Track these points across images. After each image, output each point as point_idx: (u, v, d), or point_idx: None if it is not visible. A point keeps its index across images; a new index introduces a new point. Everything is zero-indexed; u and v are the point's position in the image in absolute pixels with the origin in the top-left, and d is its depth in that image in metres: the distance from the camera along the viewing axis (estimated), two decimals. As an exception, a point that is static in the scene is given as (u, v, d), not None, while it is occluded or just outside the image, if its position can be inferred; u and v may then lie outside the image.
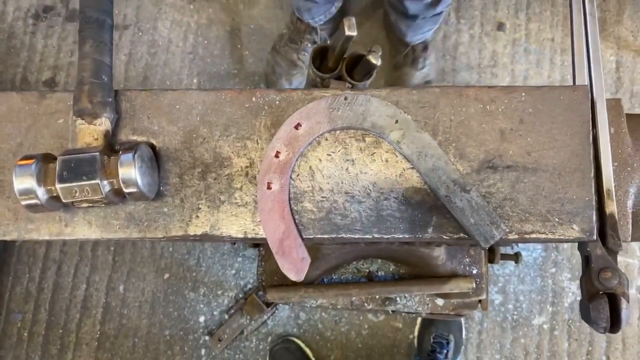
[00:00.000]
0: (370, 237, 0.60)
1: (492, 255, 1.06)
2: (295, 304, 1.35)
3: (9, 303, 1.81)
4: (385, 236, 0.60)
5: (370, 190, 0.60)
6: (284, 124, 0.61)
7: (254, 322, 1.74)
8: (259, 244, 1.08)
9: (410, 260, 0.97)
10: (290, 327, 1.75)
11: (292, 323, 1.76)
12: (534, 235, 0.58)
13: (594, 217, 0.57)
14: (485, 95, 0.61)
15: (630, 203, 0.62)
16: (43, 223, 0.61)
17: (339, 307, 1.09)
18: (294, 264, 0.59)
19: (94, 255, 1.83)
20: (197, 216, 0.61)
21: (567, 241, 0.59)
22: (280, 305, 1.75)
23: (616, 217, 0.58)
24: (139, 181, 0.55)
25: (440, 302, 1.07)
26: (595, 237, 0.57)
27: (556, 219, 0.57)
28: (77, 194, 0.54)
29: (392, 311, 1.09)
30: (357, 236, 0.60)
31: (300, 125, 0.60)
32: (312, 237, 0.61)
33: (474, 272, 1.01)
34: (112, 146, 0.61)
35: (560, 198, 0.58)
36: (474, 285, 0.98)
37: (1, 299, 1.81)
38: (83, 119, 0.58)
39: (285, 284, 1.01)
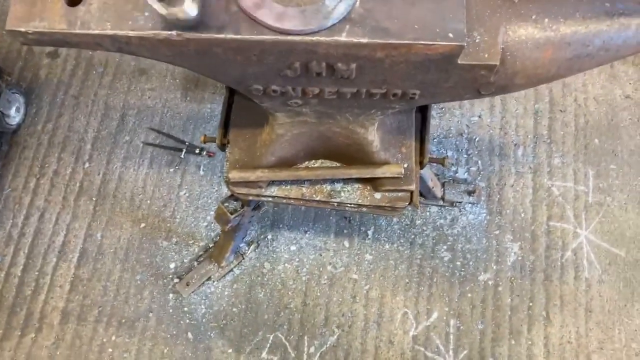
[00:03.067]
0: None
1: (422, 157, 1.25)
2: (257, 205, 1.49)
3: (-10, 246, 1.92)
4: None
5: None
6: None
7: (221, 270, 1.87)
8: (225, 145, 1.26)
9: (349, 150, 1.16)
10: (255, 275, 1.88)
11: (257, 272, 1.88)
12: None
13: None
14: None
15: (500, 39, 0.82)
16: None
17: (291, 197, 1.25)
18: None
19: (76, 204, 1.97)
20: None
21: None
22: (247, 254, 1.89)
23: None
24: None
25: (377, 195, 1.25)
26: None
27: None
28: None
29: (337, 204, 1.26)
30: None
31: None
32: None
33: (405, 166, 1.20)
34: None
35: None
36: (402, 171, 1.16)
37: (-17, 242, 1.92)
38: None
39: (245, 168, 1.19)
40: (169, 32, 0.75)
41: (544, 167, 2.02)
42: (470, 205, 1.96)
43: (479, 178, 2.00)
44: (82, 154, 2.04)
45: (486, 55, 0.81)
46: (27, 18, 0.77)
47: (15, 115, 2.02)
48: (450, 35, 0.75)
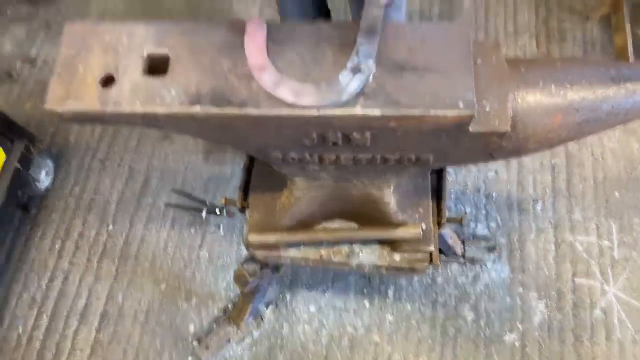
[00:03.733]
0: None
1: (439, 217, 1.25)
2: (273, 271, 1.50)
3: (15, 309, 1.95)
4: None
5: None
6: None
7: (240, 332, 1.85)
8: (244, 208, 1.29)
9: (366, 211, 1.17)
10: (274, 337, 1.85)
11: (276, 334, 1.86)
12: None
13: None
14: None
15: (509, 106, 0.85)
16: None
17: (310, 259, 1.26)
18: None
19: (99, 266, 2.00)
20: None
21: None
22: (265, 316, 1.87)
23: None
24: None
25: (396, 256, 1.24)
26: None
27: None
28: None
29: (356, 266, 1.26)
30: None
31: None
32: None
33: (423, 226, 1.21)
34: None
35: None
36: (420, 232, 1.17)
37: (8, 305, 1.95)
38: None
39: (264, 230, 1.21)
40: (194, 109, 0.80)
41: (565, 222, 1.99)
42: (491, 262, 1.92)
43: (499, 234, 1.98)
44: (106, 216, 2.09)
45: (497, 122, 0.83)
46: (64, 98, 0.83)
47: (44, 180, 2.11)
48: (460, 104, 0.78)
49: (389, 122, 0.80)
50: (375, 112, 0.78)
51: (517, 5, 2.49)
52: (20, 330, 1.90)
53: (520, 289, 1.88)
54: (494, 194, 2.06)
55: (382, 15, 0.82)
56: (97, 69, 0.84)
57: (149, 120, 0.84)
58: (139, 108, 0.81)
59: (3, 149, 1.85)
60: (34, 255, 2.03)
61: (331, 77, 0.80)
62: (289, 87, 0.78)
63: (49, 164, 2.13)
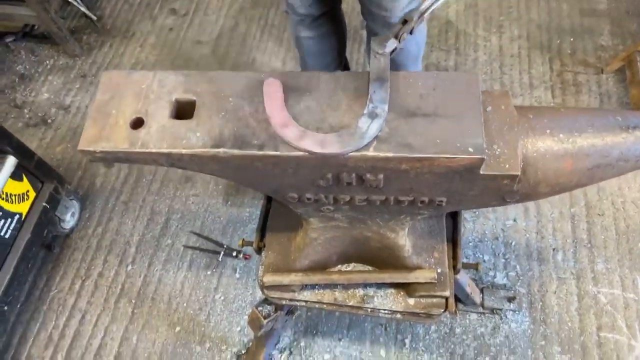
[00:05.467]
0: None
1: (455, 262, 1.25)
2: (286, 316, 1.49)
3: (31, 348, 1.96)
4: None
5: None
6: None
7: (253, 378, 1.81)
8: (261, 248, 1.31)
9: (381, 254, 1.18)
10: (287, 385, 1.81)
11: (289, 381, 1.82)
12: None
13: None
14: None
15: (519, 151, 0.88)
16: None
17: (324, 302, 1.25)
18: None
19: (116, 307, 2.02)
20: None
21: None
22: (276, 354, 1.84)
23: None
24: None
25: (411, 301, 1.23)
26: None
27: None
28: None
29: (371, 310, 1.24)
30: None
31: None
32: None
33: (439, 271, 1.20)
34: None
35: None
36: (435, 276, 1.16)
37: (25, 343, 1.97)
38: None
39: (279, 271, 1.22)
40: (217, 150, 0.85)
41: (587, 272, 1.94)
42: (511, 312, 1.87)
43: (518, 283, 1.94)
44: (126, 256, 2.13)
45: (507, 166, 0.85)
46: (96, 140, 0.89)
47: (69, 220, 2.18)
48: (470, 149, 0.81)
49: (400, 164, 0.83)
50: (387, 154, 0.81)
51: (532, 58, 2.56)
52: (35, 370, 1.91)
53: (542, 342, 1.82)
54: (513, 243, 2.04)
55: (389, 62, 0.87)
56: (128, 113, 0.90)
57: (173, 161, 0.89)
58: (164, 148, 0.86)
59: (33, 188, 1.94)
60: (54, 294, 2.07)
61: (345, 121, 0.85)
62: (312, 139, 0.82)
63: (75, 205, 2.21)
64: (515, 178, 0.86)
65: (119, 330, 1.96)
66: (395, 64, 1.86)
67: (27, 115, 2.60)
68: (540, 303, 1.90)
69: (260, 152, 0.84)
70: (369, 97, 0.86)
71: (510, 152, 0.87)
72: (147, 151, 0.86)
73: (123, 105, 0.91)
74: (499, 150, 0.87)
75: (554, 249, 2.01)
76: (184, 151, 0.86)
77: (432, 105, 0.87)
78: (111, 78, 0.94)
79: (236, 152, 0.85)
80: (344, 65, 2.28)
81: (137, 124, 0.89)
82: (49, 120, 2.58)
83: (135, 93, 0.92)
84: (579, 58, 2.54)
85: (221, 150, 0.85)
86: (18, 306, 2.01)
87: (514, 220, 2.09)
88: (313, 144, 0.82)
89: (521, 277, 1.95)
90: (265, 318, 1.39)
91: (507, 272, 1.97)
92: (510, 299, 1.87)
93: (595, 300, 1.89)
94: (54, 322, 2.00)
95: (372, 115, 0.84)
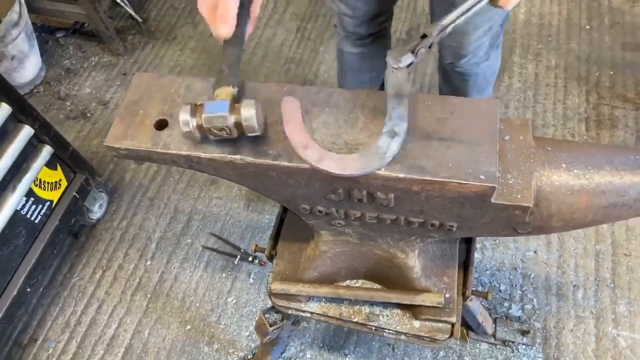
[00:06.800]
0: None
1: (464, 289, 1.23)
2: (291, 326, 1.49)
3: (49, 331, 2.03)
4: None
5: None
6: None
7: (256, 385, 1.82)
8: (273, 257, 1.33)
9: (391, 274, 1.18)
10: (289, 395, 1.81)
11: (292, 392, 1.82)
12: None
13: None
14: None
15: (533, 182, 0.87)
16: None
17: (329, 316, 1.26)
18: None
19: (132, 299, 2.07)
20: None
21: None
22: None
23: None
24: (254, 118, 0.83)
25: (417, 324, 1.22)
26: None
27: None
28: (213, 122, 0.84)
29: (375, 328, 1.24)
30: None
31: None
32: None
33: (447, 296, 1.19)
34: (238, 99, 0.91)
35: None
36: (442, 300, 1.15)
37: (44, 326, 2.04)
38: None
39: (287, 280, 1.24)
40: (234, 157, 0.88)
41: (608, 313, 1.88)
42: (524, 346, 1.82)
43: (534, 317, 1.89)
44: (146, 251, 2.19)
45: (519, 197, 0.85)
46: (122, 137, 0.93)
47: (97, 211, 2.26)
48: (482, 176, 0.81)
49: (411, 185, 0.84)
50: (399, 174, 0.82)
51: (568, 88, 2.52)
52: (50, 352, 1.98)
53: (555, 378, 1.76)
54: (532, 275, 1.99)
55: (406, 77, 0.87)
56: (154, 114, 0.94)
57: (191, 163, 0.92)
58: (184, 151, 0.89)
59: (66, 178, 2.02)
60: (75, 280, 2.14)
61: (360, 139, 0.86)
62: (332, 160, 0.83)
63: (104, 197, 2.29)
64: (527, 209, 0.85)
65: (132, 323, 2.02)
66: (470, 88, 1.85)
67: (69, 108, 2.72)
68: (556, 340, 1.84)
69: (275, 162, 0.86)
70: (389, 114, 0.87)
71: (524, 183, 0.86)
72: (167, 152, 0.90)
73: (150, 107, 0.95)
74: (512, 180, 0.87)
75: (574, 286, 1.95)
76: (202, 155, 0.89)
77: (449, 130, 0.87)
78: (142, 80, 0.99)
79: (252, 160, 0.87)
80: (382, 85, 2.29)
81: (161, 125, 0.93)
82: (88, 114, 2.69)
83: (162, 96, 0.96)
84: (617, 92, 2.48)
85: (238, 157, 0.88)
86: (41, 289, 2.09)
87: (535, 252, 2.04)
88: (333, 165, 0.82)
89: (537, 311, 1.90)
90: (271, 325, 1.41)
91: (523, 305, 1.92)
92: (524, 333, 1.83)
93: (614, 343, 1.82)
94: (72, 308, 2.07)
95: (392, 134, 0.85)
